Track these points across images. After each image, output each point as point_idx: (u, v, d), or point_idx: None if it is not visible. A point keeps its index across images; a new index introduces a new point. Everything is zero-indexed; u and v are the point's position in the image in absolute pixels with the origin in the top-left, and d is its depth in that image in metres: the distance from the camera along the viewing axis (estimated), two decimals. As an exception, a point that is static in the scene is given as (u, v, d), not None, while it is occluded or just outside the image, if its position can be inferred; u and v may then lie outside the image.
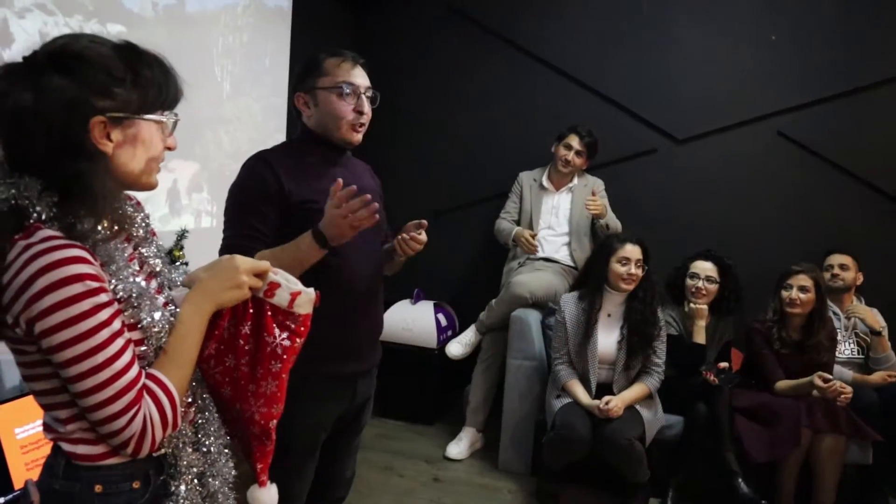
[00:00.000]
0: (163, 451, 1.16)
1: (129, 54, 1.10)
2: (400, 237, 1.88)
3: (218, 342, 1.23)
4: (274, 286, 1.23)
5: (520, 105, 4.44)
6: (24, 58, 1.05)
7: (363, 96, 1.83)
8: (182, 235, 3.13)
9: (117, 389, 1.02)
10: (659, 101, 4.22)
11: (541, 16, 4.36)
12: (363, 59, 1.87)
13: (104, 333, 1.01)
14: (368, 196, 1.62)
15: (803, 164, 4.03)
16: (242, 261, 1.20)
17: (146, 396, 1.06)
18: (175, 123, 1.18)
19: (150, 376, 1.08)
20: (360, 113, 1.83)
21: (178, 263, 2.94)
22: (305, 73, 1.85)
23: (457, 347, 3.85)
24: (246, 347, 1.24)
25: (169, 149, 1.18)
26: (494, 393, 3.77)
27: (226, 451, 1.28)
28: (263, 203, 1.75)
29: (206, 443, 1.24)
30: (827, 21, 3.95)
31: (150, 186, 1.18)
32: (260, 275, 1.21)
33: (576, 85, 4.34)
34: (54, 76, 1.02)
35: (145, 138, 1.12)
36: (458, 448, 3.66)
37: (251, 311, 1.24)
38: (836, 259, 3.63)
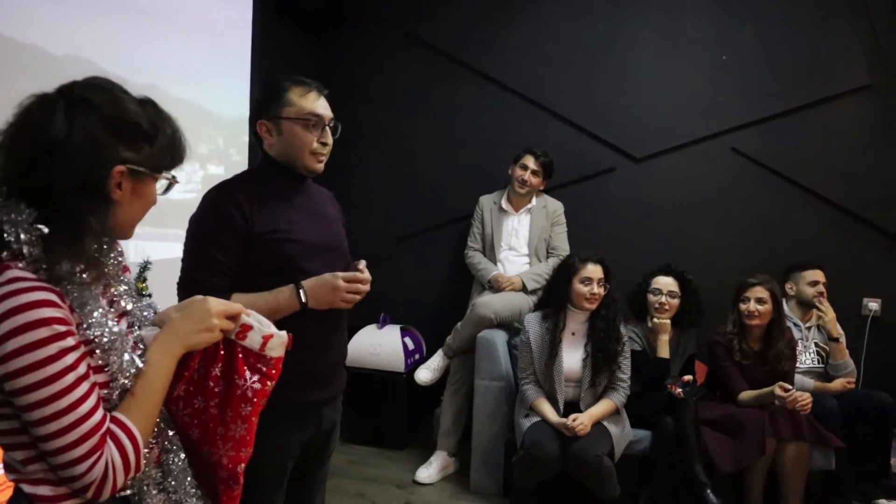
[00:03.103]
0: (127, 492, 1.15)
1: (153, 112, 1.13)
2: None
3: (187, 383, 1.22)
4: (246, 328, 1.23)
5: (480, 129, 4.49)
6: (59, 90, 1.07)
7: (327, 127, 1.85)
8: (145, 267, 3.09)
9: (80, 434, 1.01)
10: (616, 121, 4.30)
11: (498, 40, 4.44)
12: (327, 89, 1.89)
13: (69, 378, 1.00)
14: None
15: (756, 178, 4.14)
16: (215, 303, 1.19)
17: (109, 441, 1.05)
18: (171, 185, 1.20)
19: (114, 420, 1.07)
20: (324, 144, 1.85)
21: (140, 296, 2.90)
22: (269, 101, 1.84)
23: (425, 373, 3.85)
24: (216, 390, 1.23)
25: (152, 205, 1.20)
26: (465, 416, 3.76)
27: (193, 491, 1.26)
28: (227, 236, 1.73)
29: (173, 484, 1.22)
30: (775, 40, 4.08)
31: (128, 237, 1.19)
32: (232, 317, 1.21)
33: (535, 107, 4.40)
34: (90, 115, 1.04)
35: (147, 194, 1.15)
36: (428, 472, 3.64)
37: (222, 352, 1.23)
38: (820, 276, 3.71)
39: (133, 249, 3.09)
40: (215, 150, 3.75)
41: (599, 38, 4.31)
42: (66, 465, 1.01)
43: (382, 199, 4.65)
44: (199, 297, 1.21)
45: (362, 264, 1.87)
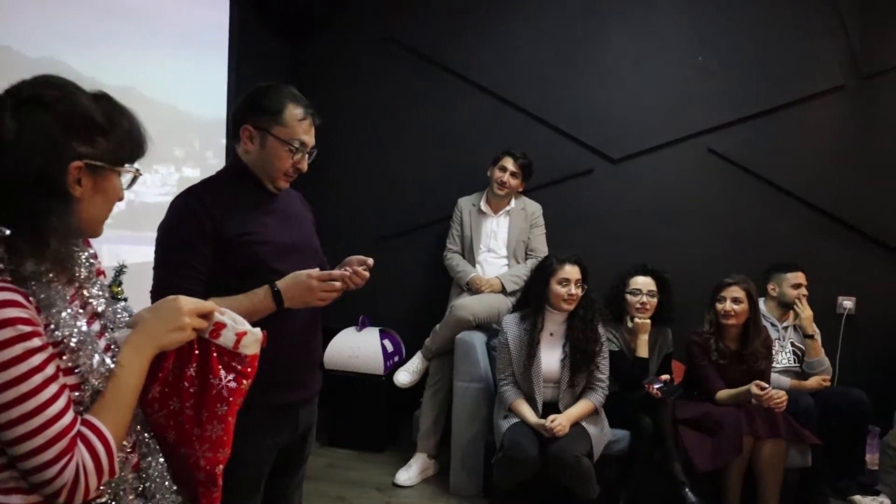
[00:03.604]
0: (104, 498, 1.12)
1: (107, 105, 1.11)
2: (344, 270, 1.87)
3: (162, 385, 1.20)
4: (220, 326, 1.22)
5: (459, 131, 4.50)
6: (7, 91, 1.05)
7: (306, 154, 1.85)
8: (120, 271, 3.06)
9: (49, 437, 0.99)
10: (594, 122, 4.33)
11: (475, 42, 4.44)
12: (320, 119, 1.88)
13: (36, 379, 0.98)
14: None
15: (733, 178, 4.18)
16: (186, 301, 1.18)
17: (80, 444, 1.03)
18: (135, 178, 1.18)
19: (85, 422, 1.05)
20: (298, 170, 1.85)
21: (116, 299, 2.87)
22: (263, 110, 1.81)
23: (404, 376, 3.84)
24: (191, 390, 1.21)
25: (119, 200, 1.18)
26: (444, 417, 3.76)
27: (171, 497, 1.24)
28: (197, 241, 1.72)
29: (152, 488, 1.20)
30: (750, 41, 4.12)
31: (97, 235, 1.18)
32: (205, 315, 1.20)
33: (513, 109, 4.41)
34: (40, 113, 1.03)
35: (109, 188, 1.13)
36: (408, 474, 3.63)
37: (196, 352, 1.22)
38: (803, 278, 3.74)
39: (107, 253, 3.06)
40: (191, 153, 3.72)
41: (577, 40, 4.32)
42: (35, 470, 0.99)
43: (361, 202, 4.64)
44: (171, 296, 1.19)
45: (370, 261, 1.88)
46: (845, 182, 4.06)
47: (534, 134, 4.36)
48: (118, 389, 1.10)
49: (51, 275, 1.06)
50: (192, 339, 1.19)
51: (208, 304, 1.21)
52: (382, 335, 4.17)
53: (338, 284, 1.76)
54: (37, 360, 0.98)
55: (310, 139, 1.84)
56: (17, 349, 0.96)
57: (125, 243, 3.18)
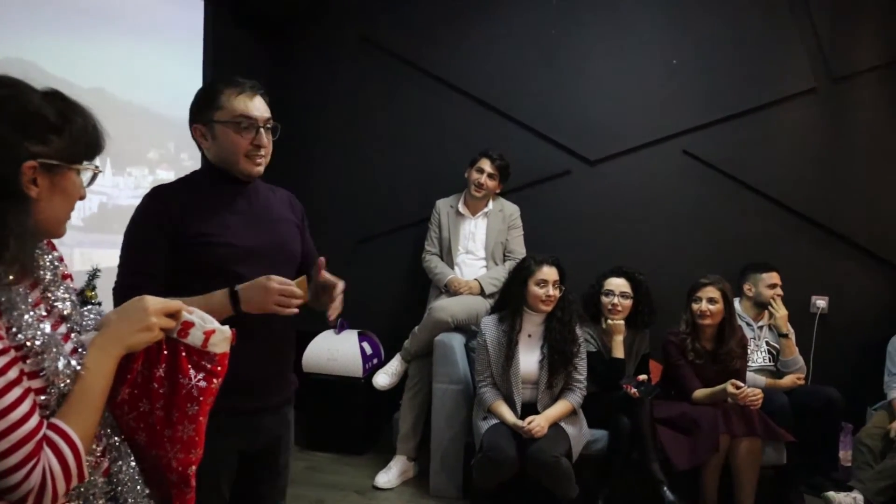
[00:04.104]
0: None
1: (60, 103, 1.09)
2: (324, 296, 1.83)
3: (131, 386, 1.19)
4: (188, 325, 1.21)
5: (435, 132, 4.50)
6: None
7: (262, 129, 1.80)
8: (94, 275, 3.02)
9: (13, 442, 0.97)
10: (571, 124, 4.35)
11: (451, 44, 4.45)
12: (263, 88, 1.84)
13: None
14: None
15: (707, 179, 4.23)
16: (153, 301, 1.17)
17: (46, 448, 1.01)
18: (96, 175, 1.17)
19: (51, 426, 1.04)
20: (258, 146, 1.80)
21: (90, 305, 2.83)
22: (202, 105, 1.80)
23: (383, 378, 3.83)
24: (160, 391, 1.20)
25: (81, 199, 1.16)
26: (424, 420, 3.75)
27: (144, 500, 1.23)
28: (156, 239, 1.71)
29: (124, 492, 1.19)
30: (724, 44, 4.17)
31: (60, 235, 1.16)
32: (173, 315, 1.19)
33: (490, 111, 4.43)
34: None
35: (68, 187, 1.11)
36: (387, 477, 3.62)
37: (165, 352, 1.21)
38: (777, 278, 3.80)
39: (79, 257, 3.02)
40: (165, 155, 3.68)
41: (553, 42, 4.35)
42: (0, 476, 0.97)
43: (339, 203, 4.61)
44: (137, 297, 1.18)
45: (321, 261, 1.82)
46: (818, 183, 4.13)
47: (511, 136, 4.38)
48: (85, 392, 1.08)
49: (10, 277, 1.04)
50: (159, 339, 1.18)
51: (175, 303, 1.20)
52: (361, 337, 4.15)
53: (298, 291, 1.69)
54: None
55: (257, 112, 1.79)
56: None
57: (98, 247, 3.14)
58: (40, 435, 1.01)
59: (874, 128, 4.10)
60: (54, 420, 1.05)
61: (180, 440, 1.22)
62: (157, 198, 1.77)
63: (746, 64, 4.15)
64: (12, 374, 0.99)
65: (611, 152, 4.32)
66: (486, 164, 3.89)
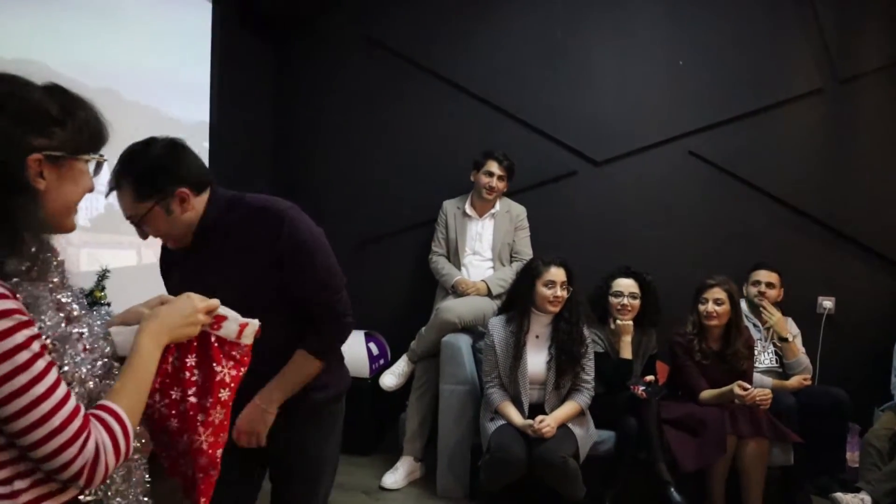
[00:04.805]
0: (89, 497, 1.11)
1: (61, 96, 1.11)
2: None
3: (163, 376, 1.27)
4: (220, 319, 1.32)
5: (441, 132, 4.50)
6: None
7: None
8: (103, 275, 3.02)
9: (63, 417, 0.98)
10: (577, 125, 4.35)
11: (457, 44, 4.45)
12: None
13: (39, 364, 0.97)
14: None
15: (714, 181, 4.23)
16: (199, 299, 1.27)
17: (97, 424, 1.03)
18: (101, 165, 1.18)
19: (99, 406, 1.06)
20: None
21: (99, 304, 2.84)
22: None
23: (390, 379, 3.83)
24: (192, 379, 1.29)
25: (89, 190, 1.17)
26: (430, 420, 3.75)
27: (146, 500, 1.24)
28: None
29: (131, 493, 1.20)
30: (730, 45, 4.17)
31: (69, 228, 1.17)
32: (209, 312, 1.29)
33: (496, 112, 4.42)
34: None
35: (76, 177, 1.12)
36: (394, 477, 3.62)
37: (195, 343, 1.30)
38: (764, 276, 3.81)
39: (87, 257, 3.02)
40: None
41: (559, 43, 4.35)
42: (54, 454, 0.98)
43: (345, 204, 4.61)
44: (185, 293, 1.28)
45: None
46: (824, 183, 4.13)
47: (517, 136, 4.37)
48: (135, 373, 1.13)
49: (33, 273, 1.06)
50: (197, 333, 1.28)
51: (214, 302, 1.31)
52: (367, 338, 4.15)
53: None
54: (36, 346, 0.98)
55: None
56: (19, 337, 0.96)
57: (106, 248, 3.15)
58: (83, 411, 1.02)
59: (880, 128, 4.10)
60: (103, 401, 1.08)
61: (212, 424, 1.31)
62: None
63: (752, 65, 4.15)
64: (47, 357, 1.00)
65: (617, 153, 4.32)
66: (494, 167, 3.89)
